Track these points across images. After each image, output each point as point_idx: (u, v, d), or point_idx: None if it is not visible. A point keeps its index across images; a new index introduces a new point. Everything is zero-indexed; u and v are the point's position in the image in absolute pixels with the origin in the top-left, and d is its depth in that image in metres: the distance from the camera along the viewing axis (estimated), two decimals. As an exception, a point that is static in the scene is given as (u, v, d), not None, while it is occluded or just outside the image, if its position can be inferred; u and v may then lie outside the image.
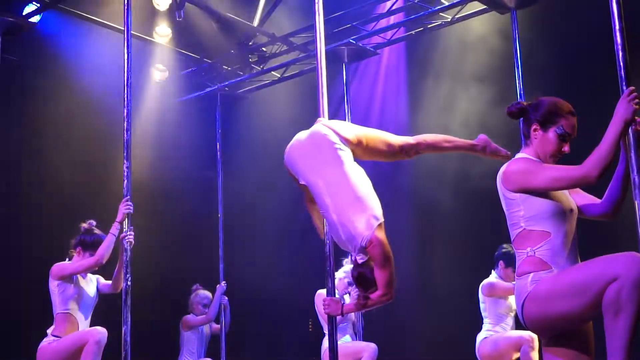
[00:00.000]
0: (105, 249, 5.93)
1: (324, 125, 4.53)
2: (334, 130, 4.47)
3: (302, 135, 4.54)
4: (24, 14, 8.19)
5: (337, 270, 7.10)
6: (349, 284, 7.14)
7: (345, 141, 4.44)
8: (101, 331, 5.83)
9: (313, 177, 4.40)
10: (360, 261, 4.33)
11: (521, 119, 3.84)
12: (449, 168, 9.62)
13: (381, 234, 4.25)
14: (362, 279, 4.37)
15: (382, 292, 4.30)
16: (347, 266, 7.39)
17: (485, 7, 8.20)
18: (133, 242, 5.91)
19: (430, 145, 4.62)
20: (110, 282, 6.30)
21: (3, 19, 7.74)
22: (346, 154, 4.41)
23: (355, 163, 4.45)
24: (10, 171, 8.04)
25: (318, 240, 5.09)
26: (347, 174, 4.33)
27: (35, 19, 8.50)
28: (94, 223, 6.27)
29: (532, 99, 3.86)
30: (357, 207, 4.27)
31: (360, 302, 4.44)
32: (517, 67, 7.46)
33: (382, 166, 8.99)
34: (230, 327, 9.06)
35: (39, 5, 8.16)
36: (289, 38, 9.60)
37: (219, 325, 8.94)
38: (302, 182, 4.48)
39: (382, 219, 4.29)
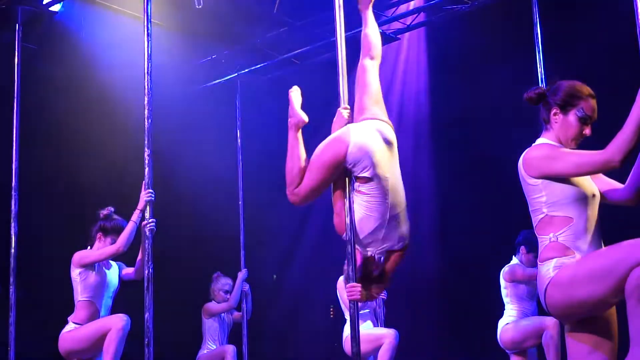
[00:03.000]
0: (126, 237, 5.95)
1: (384, 122, 4.70)
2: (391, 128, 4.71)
3: (372, 126, 4.62)
4: (44, 2, 8.21)
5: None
6: None
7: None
8: (124, 318, 5.85)
9: (385, 172, 4.50)
10: (377, 259, 4.57)
11: (540, 104, 3.82)
12: (477, 150, 9.58)
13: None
14: (370, 275, 4.60)
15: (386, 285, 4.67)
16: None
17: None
18: (155, 229, 5.95)
19: None
20: (132, 269, 6.33)
21: (24, 7, 7.77)
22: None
23: None
24: (31, 159, 8.07)
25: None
26: (401, 181, 4.62)
27: (56, 7, 8.52)
28: (113, 209, 6.29)
29: (551, 83, 3.84)
30: (407, 213, 4.62)
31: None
32: (538, 52, 7.40)
33: (403, 149, 8.98)
34: (252, 314, 9.08)
35: (59, -6, 8.18)
36: (308, 25, 9.57)
37: (240, 313, 8.95)
38: (369, 174, 4.47)
39: None
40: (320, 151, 4.56)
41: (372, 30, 4.99)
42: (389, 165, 4.51)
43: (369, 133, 4.53)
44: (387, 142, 4.57)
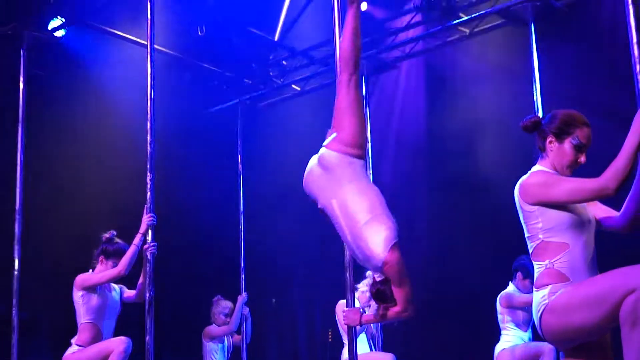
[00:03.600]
0: (127, 261, 5.97)
1: (325, 146, 4.41)
2: (338, 142, 4.35)
3: (313, 159, 4.45)
4: (49, 28, 8.26)
5: (359, 282, 7.08)
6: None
7: (352, 149, 4.34)
8: (126, 341, 5.86)
9: (327, 199, 4.32)
10: (378, 279, 4.32)
11: (536, 132, 3.84)
12: (469, 180, 9.61)
13: (396, 254, 4.18)
14: (380, 295, 4.35)
15: (401, 309, 4.30)
16: (369, 279, 7.39)
17: (503, 20, 8.20)
18: (156, 253, 6.00)
19: None
20: (133, 291, 6.33)
21: (29, 33, 7.83)
22: (357, 165, 4.33)
23: (367, 180, 4.42)
24: (36, 182, 8.09)
25: (337, 250, 5.10)
26: (360, 194, 4.26)
27: (60, 33, 8.57)
28: (115, 233, 6.32)
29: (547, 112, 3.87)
30: (372, 228, 4.19)
31: (379, 313, 4.43)
32: (534, 81, 7.46)
33: (400, 171, 9.01)
34: (252, 337, 9.07)
35: (63, 20, 8.22)
36: (309, 52, 9.64)
37: (240, 336, 8.94)
38: (319, 206, 4.43)
39: (396, 239, 4.22)
40: None
41: (342, 39, 4.57)
42: (331, 192, 4.30)
43: (309, 166, 4.45)
44: (325, 169, 4.34)
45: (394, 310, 4.34)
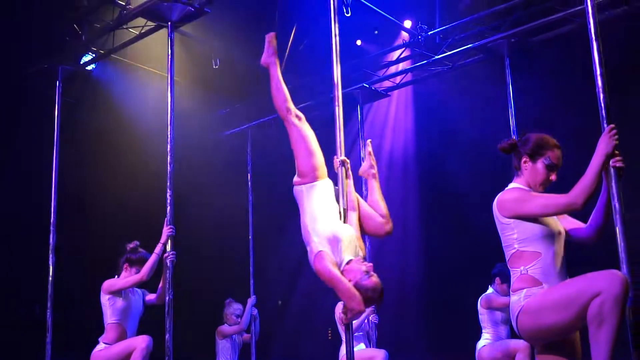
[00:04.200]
0: (149, 267, 5.96)
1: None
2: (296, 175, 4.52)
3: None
4: (81, 62, 8.28)
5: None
6: None
7: (298, 177, 4.50)
8: (148, 338, 5.83)
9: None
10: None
11: (512, 153, 3.83)
12: (458, 194, 9.60)
13: (320, 264, 4.17)
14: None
15: (347, 307, 4.15)
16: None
17: (482, 55, 8.21)
18: (175, 260, 6.02)
19: None
20: (155, 295, 6.32)
21: (63, 67, 7.84)
22: (299, 191, 4.48)
23: (308, 196, 4.44)
24: (68, 197, 8.07)
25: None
26: (302, 213, 4.42)
27: (91, 66, 8.61)
28: (138, 243, 6.31)
29: (522, 134, 3.86)
30: (307, 241, 4.33)
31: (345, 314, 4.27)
32: (510, 107, 7.46)
33: (392, 190, 8.99)
34: (260, 335, 9.03)
35: (94, 55, 8.26)
36: (310, 82, 9.65)
37: (249, 335, 8.90)
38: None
39: (317, 250, 4.22)
40: None
41: None
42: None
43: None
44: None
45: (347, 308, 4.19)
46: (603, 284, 3.22)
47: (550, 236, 3.57)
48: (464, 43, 8.49)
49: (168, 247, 6.09)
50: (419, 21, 8.64)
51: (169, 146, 6.35)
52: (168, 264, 6.01)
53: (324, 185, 4.47)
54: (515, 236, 3.61)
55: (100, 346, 6.00)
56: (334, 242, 4.24)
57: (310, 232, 4.32)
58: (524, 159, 3.74)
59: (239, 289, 9.38)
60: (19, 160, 8.59)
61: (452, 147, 9.99)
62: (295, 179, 4.50)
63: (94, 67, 8.74)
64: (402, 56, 9.15)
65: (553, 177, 3.70)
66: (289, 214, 10.54)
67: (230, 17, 8.46)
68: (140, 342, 5.79)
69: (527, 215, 3.56)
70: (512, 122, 7.38)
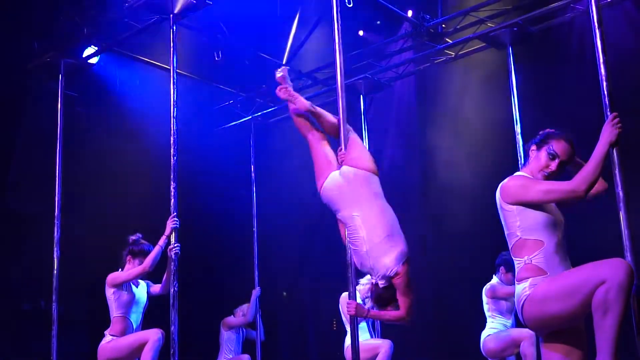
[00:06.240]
0: (152, 258, 5.97)
1: (347, 166, 4.49)
2: (357, 167, 4.46)
3: (335, 174, 4.49)
4: (83, 56, 8.27)
5: (359, 279, 7.04)
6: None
7: (369, 170, 4.46)
8: (160, 332, 5.87)
9: (350, 212, 4.38)
10: (381, 285, 4.35)
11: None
12: (462, 182, 9.59)
13: (407, 268, 4.30)
14: (380, 299, 4.42)
15: (403, 315, 4.36)
16: (368, 284, 7.35)
17: (484, 44, 8.19)
18: (179, 253, 6.04)
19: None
20: (159, 285, 6.33)
21: (66, 60, 7.83)
22: (375, 182, 4.45)
23: (384, 200, 4.45)
24: (71, 190, 8.08)
25: (340, 251, 5.08)
26: (382, 212, 4.37)
27: (94, 60, 8.59)
28: (140, 235, 6.32)
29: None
30: (390, 243, 4.29)
31: (381, 313, 4.48)
32: (512, 96, 7.44)
33: (395, 180, 8.98)
34: (264, 330, 9.06)
35: (97, 48, 8.24)
36: (313, 74, 9.64)
37: (254, 331, 8.93)
38: (338, 216, 4.49)
39: (408, 255, 4.33)
40: None
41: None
42: (355, 205, 4.38)
43: (332, 180, 4.50)
44: (349, 183, 4.43)
45: (395, 314, 4.39)
46: (608, 272, 3.23)
47: (553, 225, 3.58)
48: (466, 32, 8.48)
49: (172, 240, 6.09)
50: (420, 11, 8.62)
51: (172, 139, 6.36)
52: (172, 257, 6.03)
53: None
54: (518, 224, 3.61)
55: (108, 338, 6.02)
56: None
57: (400, 232, 4.41)
58: (532, 147, 3.79)
59: (244, 281, 9.39)
60: (22, 153, 8.59)
61: (455, 136, 9.97)
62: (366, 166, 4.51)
63: (96, 60, 8.72)
64: (405, 46, 9.13)
65: (553, 165, 3.69)
66: (293, 206, 10.65)
67: (232, 8, 8.45)
68: (152, 335, 5.82)
69: (530, 202, 3.56)
70: (514, 110, 7.36)
